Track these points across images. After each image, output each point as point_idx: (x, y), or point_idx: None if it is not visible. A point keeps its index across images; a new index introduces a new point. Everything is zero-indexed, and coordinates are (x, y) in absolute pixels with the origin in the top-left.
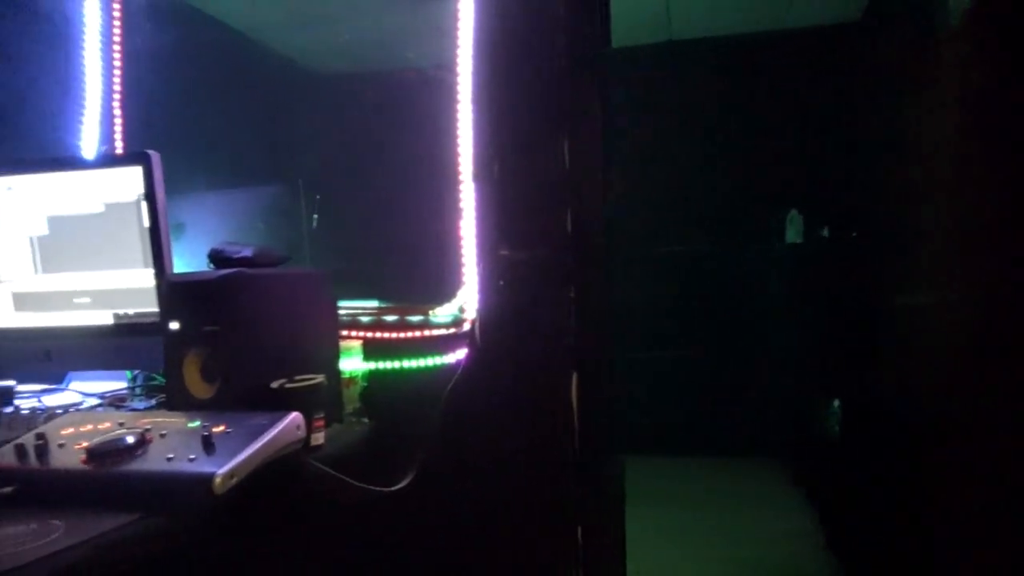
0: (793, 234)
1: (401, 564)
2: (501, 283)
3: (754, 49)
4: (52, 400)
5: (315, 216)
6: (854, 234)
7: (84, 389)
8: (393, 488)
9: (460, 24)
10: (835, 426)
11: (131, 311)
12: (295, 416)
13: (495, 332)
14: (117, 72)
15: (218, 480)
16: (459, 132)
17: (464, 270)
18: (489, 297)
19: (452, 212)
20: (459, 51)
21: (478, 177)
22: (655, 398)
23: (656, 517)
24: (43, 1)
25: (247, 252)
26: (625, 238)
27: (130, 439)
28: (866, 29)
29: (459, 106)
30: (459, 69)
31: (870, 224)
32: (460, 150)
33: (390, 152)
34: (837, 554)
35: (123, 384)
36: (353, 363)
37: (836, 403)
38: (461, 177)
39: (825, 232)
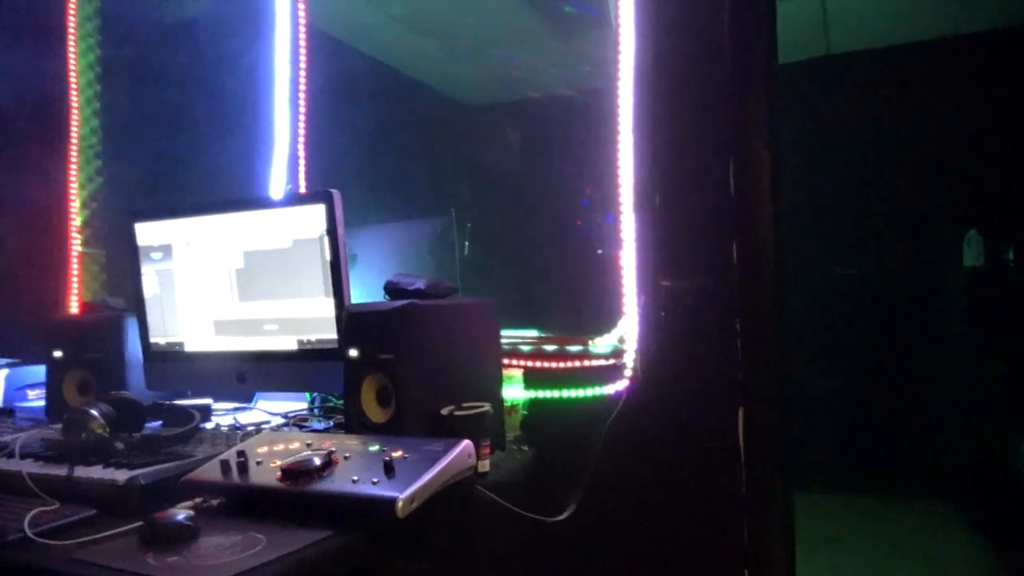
0: (972, 256)
1: None
2: (662, 314)
3: (921, 58)
4: (243, 418)
5: (466, 244)
6: None
7: (269, 408)
8: (556, 519)
9: (620, 48)
10: None
11: (313, 337)
12: (467, 444)
13: (657, 364)
14: (302, 117)
15: (400, 504)
16: (619, 161)
17: (624, 300)
18: (650, 328)
19: (612, 242)
20: (619, 77)
21: (639, 207)
22: (822, 432)
23: (826, 560)
24: (238, 60)
25: (420, 284)
26: (789, 261)
27: (318, 460)
28: None
29: (619, 135)
30: (619, 96)
31: None
32: (620, 179)
33: (546, 181)
34: None
35: (303, 405)
36: (514, 391)
37: None
38: (621, 207)
39: (1010, 255)
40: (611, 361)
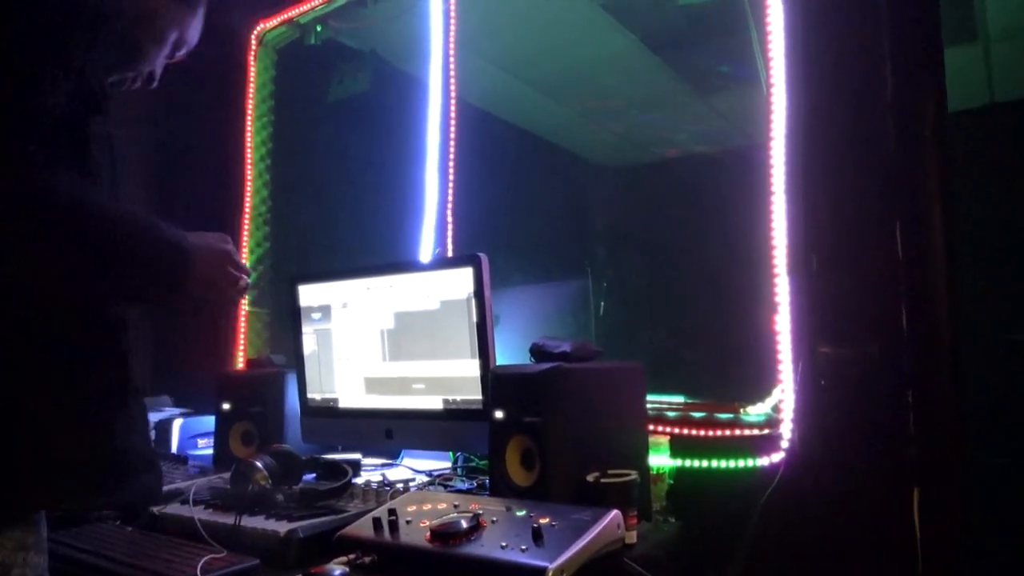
0: None
1: None
2: (823, 383)
3: None
4: (391, 474)
5: (602, 304)
6: None
7: (414, 465)
8: None
9: (772, 105)
10: None
11: (459, 397)
12: (616, 514)
13: (817, 437)
14: (451, 184)
15: (551, 574)
16: (772, 223)
17: (780, 368)
18: (808, 397)
19: (765, 306)
20: (771, 134)
21: (794, 269)
22: (1014, 514)
23: None
24: (393, 132)
25: (566, 347)
26: (970, 325)
27: (466, 523)
28: None
29: (772, 195)
30: (771, 153)
31: None
32: (774, 240)
33: (690, 241)
34: None
35: (446, 464)
36: (660, 459)
37: None
38: (776, 270)
39: None
40: (764, 431)
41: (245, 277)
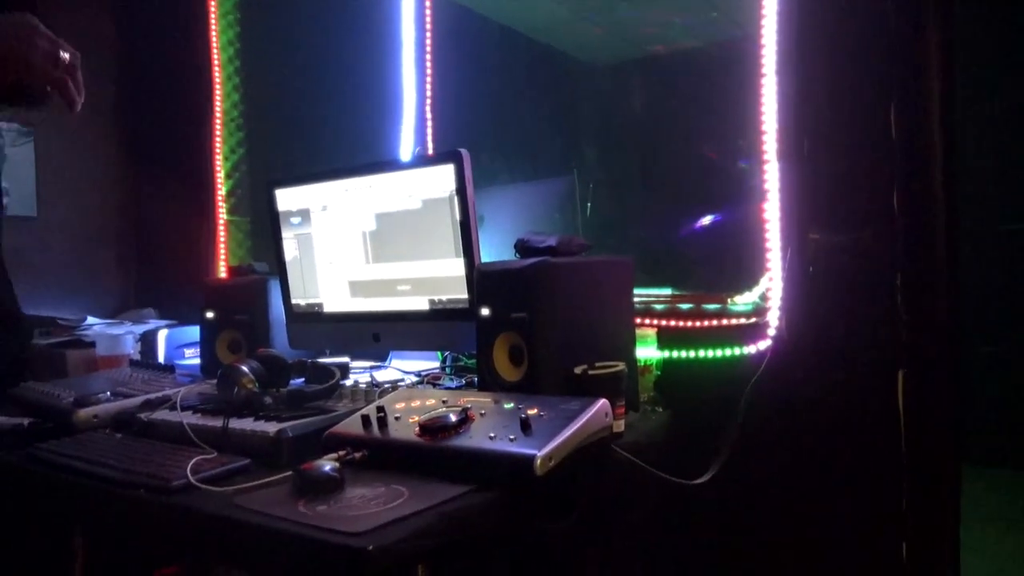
0: None
1: (700, 560)
2: (811, 269)
3: None
4: (380, 376)
5: (588, 204)
6: None
7: (403, 367)
8: (696, 482)
9: None
10: None
11: (444, 297)
12: (604, 403)
13: (804, 323)
14: (429, 80)
15: (539, 461)
16: (762, 106)
17: (768, 256)
18: (797, 285)
19: (753, 193)
20: (763, 15)
21: (784, 155)
22: (1000, 400)
23: (994, 540)
24: (368, 28)
25: (551, 242)
26: (970, 213)
27: (455, 417)
28: None
29: (763, 78)
30: (762, 37)
31: None
32: (764, 126)
33: (676, 136)
34: None
35: (435, 364)
36: (647, 351)
37: None
38: (765, 155)
39: None
40: (752, 320)
41: (65, 53)
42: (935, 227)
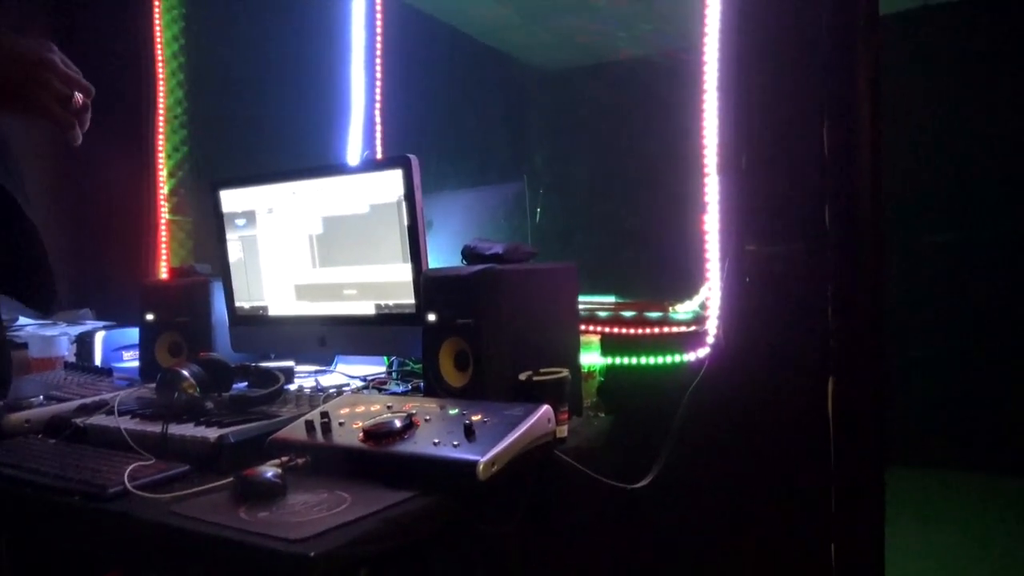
0: None
1: (639, 563)
2: (747, 280)
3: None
4: (325, 380)
5: (538, 210)
6: None
7: (348, 371)
8: (636, 485)
9: (707, 3)
10: None
11: (391, 302)
12: (547, 409)
13: (741, 331)
14: (378, 83)
15: (482, 467)
16: (704, 122)
17: (708, 266)
18: (734, 294)
19: (693, 206)
20: (705, 32)
21: (723, 169)
22: (920, 404)
23: (920, 538)
24: (320, 27)
25: (498, 249)
26: (894, 225)
27: (399, 422)
28: None
29: (704, 94)
30: (704, 52)
31: None
32: (705, 141)
33: (624, 145)
34: None
35: (381, 368)
36: (591, 357)
37: None
38: (706, 169)
39: None
40: (692, 328)
41: (79, 93)
42: (863, 240)
